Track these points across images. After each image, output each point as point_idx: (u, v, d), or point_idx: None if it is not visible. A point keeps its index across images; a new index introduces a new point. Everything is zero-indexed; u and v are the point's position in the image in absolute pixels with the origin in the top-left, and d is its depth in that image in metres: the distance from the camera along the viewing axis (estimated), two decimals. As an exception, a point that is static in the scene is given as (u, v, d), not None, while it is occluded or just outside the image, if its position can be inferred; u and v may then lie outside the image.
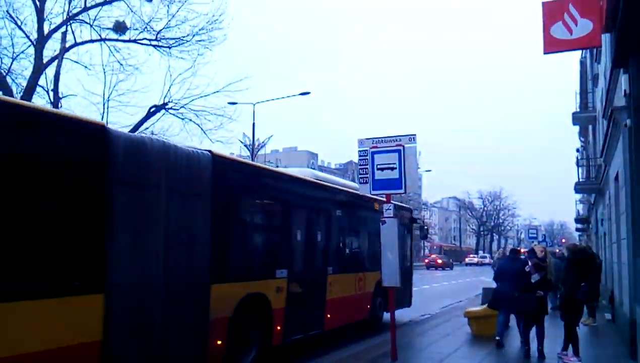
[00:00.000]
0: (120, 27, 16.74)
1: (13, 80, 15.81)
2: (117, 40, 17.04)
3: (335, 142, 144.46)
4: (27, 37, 16.04)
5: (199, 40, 17.28)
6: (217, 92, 17.61)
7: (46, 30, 16.11)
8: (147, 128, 17.03)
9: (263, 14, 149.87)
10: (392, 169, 8.51)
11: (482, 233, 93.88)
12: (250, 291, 7.85)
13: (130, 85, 18.48)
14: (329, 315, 10.02)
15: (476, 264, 66.49)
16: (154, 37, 17.21)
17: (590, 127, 24.93)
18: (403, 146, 8.54)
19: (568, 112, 23.11)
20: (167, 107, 17.14)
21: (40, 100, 16.04)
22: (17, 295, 4.78)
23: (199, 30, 17.16)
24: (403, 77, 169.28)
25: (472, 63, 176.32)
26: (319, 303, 9.84)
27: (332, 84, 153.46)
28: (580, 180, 24.06)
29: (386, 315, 12.09)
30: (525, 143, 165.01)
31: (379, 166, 8.61)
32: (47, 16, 16.11)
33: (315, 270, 10.16)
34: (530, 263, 9.70)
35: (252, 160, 27.92)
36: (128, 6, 16.85)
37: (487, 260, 62.35)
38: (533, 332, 9.27)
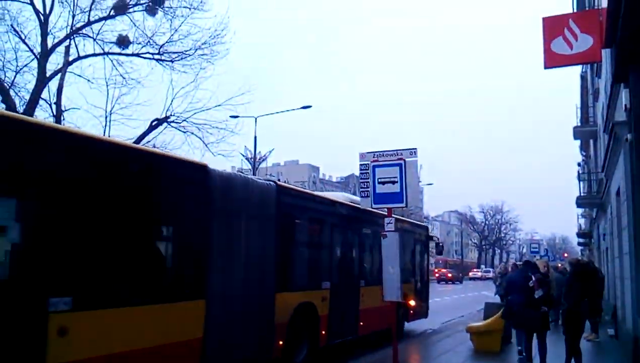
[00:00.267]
0: (123, 41, 16.88)
1: (16, 93, 15.89)
2: (120, 54, 17.16)
3: (336, 155, 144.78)
4: (31, 50, 16.15)
5: (202, 55, 17.39)
6: (219, 105, 17.68)
7: (50, 44, 16.20)
8: (149, 141, 17.04)
9: (266, 28, 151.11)
10: (393, 182, 8.51)
11: (484, 247, 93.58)
12: (302, 300, 9.16)
13: (132, 99, 18.56)
14: (361, 323, 11.09)
15: (480, 278, 65.85)
16: (156, 51, 17.33)
17: (591, 141, 24.95)
18: (404, 160, 8.54)
19: (570, 126, 23.18)
20: (169, 120, 17.20)
21: (43, 114, 16.12)
22: (152, 299, 6.27)
23: (202, 44, 17.28)
24: (405, 91, 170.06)
25: (473, 76, 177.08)
26: (354, 312, 10.96)
27: (333, 98, 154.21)
28: (582, 194, 24.04)
29: (408, 325, 13.91)
30: (527, 157, 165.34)
31: (380, 180, 8.62)
32: (50, 30, 16.23)
33: (351, 283, 11.20)
34: (534, 279, 9.66)
35: (254, 173, 27.91)
36: (131, 20, 17.02)
37: (490, 275, 61.84)
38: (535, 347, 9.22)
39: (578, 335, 8.64)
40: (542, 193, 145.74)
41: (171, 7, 17.14)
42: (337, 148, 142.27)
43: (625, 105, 7.97)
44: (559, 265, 22.03)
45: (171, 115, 17.14)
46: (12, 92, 15.68)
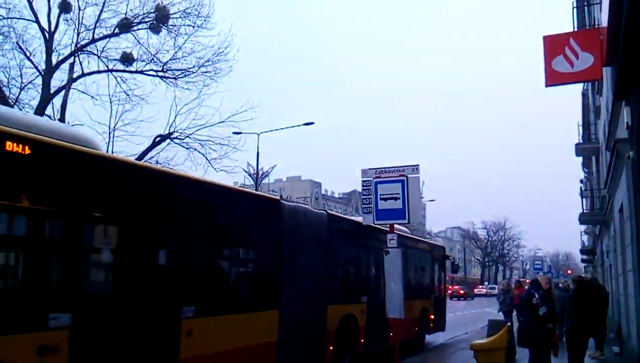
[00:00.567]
0: (127, 59, 17.03)
1: (20, 109, 15.97)
2: (124, 71, 17.30)
3: (338, 171, 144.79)
4: (36, 67, 16.31)
5: (205, 72, 17.53)
6: (222, 122, 17.70)
7: (54, 61, 16.36)
8: (152, 157, 17.08)
9: (270, 46, 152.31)
10: (396, 198, 8.55)
11: (487, 263, 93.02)
12: (346, 312, 10.44)
13: (136, 115, 18.57)
14: (391, 334, 11.60)
15: (484, 295, 65.25)
16: (160, 69, 17.48)
17: (593, 158, 24.94)
18: (406, 176, 8.58)
19: (572, 143, 23.22)
20: (172, 136, 17.22)
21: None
22: (246, 309, 7.96)
23: (205, 62, 17.43)
24: (408, 107, 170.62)
25: (473, 92, 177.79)
26: (385, 323, 11.43)
27: (335, 115, 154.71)
28: (585, 211, 23.97)
29: (429, 338, 15.23)
30: (530, 173, 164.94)
31: (382, 196, 8.65)
32: (55, 47, 16.38)
33: (382, 297, 11.42)
34: (537, 296, 9.59)
35: (256, 189, 27.91)
36: (135, 38, 17.21)
37: (495, 292, 61.33)
38: None
39: (582, 351, 8.56)
40: (546, 210, 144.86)
41: (175, 25, 17.36)
42: (339, 164, 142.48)
43: (627, 122, 7.97)
44: (561, 282, 21.86)
45: (174, 131, 17.19)
46: (16, 108, 15.78)
